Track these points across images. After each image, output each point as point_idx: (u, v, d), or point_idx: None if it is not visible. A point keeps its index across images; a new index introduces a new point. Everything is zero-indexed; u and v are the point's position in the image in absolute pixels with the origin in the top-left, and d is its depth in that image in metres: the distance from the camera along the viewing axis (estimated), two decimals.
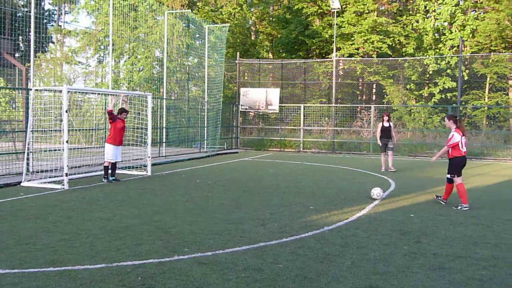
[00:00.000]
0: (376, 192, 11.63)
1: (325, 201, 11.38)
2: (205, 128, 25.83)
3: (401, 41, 35.85)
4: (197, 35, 31.07)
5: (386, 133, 18.31)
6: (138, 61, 33.03)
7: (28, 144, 14.09)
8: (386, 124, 18.31)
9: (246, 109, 30.55)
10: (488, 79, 32.43)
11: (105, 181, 13.98)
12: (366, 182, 14.88)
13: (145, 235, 7.75)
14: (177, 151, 24.07)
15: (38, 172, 14.34)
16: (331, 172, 17.91)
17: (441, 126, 29.50)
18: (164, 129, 23.10)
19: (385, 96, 33.67)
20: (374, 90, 36.49)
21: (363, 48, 36.16)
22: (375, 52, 36.45)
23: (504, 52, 32.93)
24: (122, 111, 14.50)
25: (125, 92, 16.15)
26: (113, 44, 22.87)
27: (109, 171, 14.27)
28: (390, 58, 33.52)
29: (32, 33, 15.15)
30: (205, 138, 25.91)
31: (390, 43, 35.56)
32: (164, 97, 23.37)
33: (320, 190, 13.22)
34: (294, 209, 10.27)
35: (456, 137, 10.83)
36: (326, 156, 25.62)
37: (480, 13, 36.41)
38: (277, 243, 7.47)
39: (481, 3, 35.84)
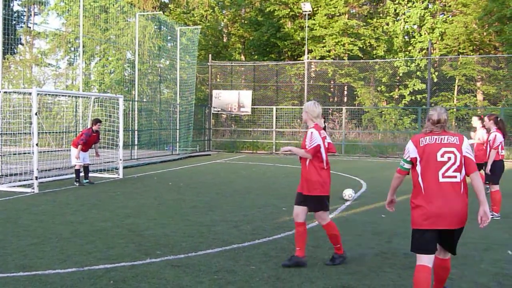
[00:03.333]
0: (348, 193, 11.74)
1: None
2: (177, 131, 25.74)
3: (372, 43, 36.28)
4: (169, 37, 30.93)
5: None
6: (109, 63, 32.71)
7: None
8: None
9: (218, 111, 30.53)
10: (456, 81, 33.01)
11: (77, 184, 13.78)
12: (338, 183, 15.00)
13: (117, 238, 7.69)
14: (149, 153, 23.92)
15: (7, 176, 14.11)
16: None
17: (411, 127, 29.92)
18: (136, 132, 22.93)
19: (356, 98, 33.99)
20: (345, 92, 36.83)
21: (335, 50, 36.45)
22: (346, 55, 36.78)
23: (472, 55, 33.58)
24: (97, 121, 14.17)
25: (95, 95, 16.00)
26: (83, 46, 22.62)
27: (81, 174, 14.10)
28: (361, 60, 33.89)
29: (0, 35, 14.91)
30: (177, 141, 25.81)
31: (361, 46, 35.93)
32: (136, 99, 23.22)
33: (292, 191, 13.22)
34: (267, 210, 10.30)
35: (499, 137, 9.76)
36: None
37: (448, 16, 37.10)
38: (250, 244, 7.49)
39: (449, 6, 36.50)
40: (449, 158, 4.58)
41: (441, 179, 4.56)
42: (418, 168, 4.70)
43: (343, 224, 9.03)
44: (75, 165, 13.95)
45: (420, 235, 4.59)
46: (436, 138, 4.67)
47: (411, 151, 4.77)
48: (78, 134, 15.37)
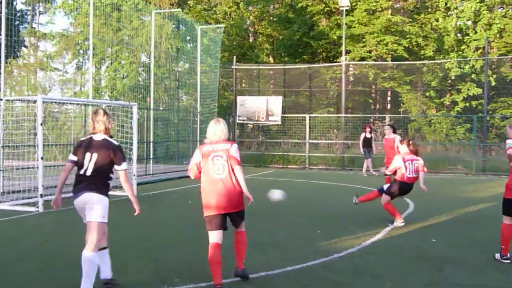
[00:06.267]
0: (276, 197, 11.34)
1: (335, 224, 11.40)
2: (198, 143, 25.87)
3: (419, 42, 35.99)
4: (188, 38, 31.21)
5: (367, 143, 23.58)
6: (122, 67, 33.11)
7: None
8: (368, 136, 23.62)
9: (244, 120, 30.60)
10: None
11: None
12: (379, 203, 14.87)
13: (131, 263, 7.76)
14: (166, 168, 24.06)
15: (9, 193, 14.34)
16: (341, 192, 17.89)
17: (466, 138, 29.55)
18: (151, 144, 23.14)
19: (401, 104, 33.73)
20: (389, 98, 36.57)
21: (376, 51, 36.30)
22: (390, 55, 36.58)
23: None
24: None
25: (107, 102, 16.21)
26: (93, 48, 23.00)
27: None
28: (407, 62, 33.64)
29: (2, 36, 15.22)
30: None
31: (407, 45, 35.67)
32: (151, 107, 23.44)
33: (328, 211, 13.23)
34: (299, 233, 10.28)
35: None
36: (335, 173, 25.62)
37: (508, 10, 36.57)
38: (280, 272, 7.48)
39: None
40: None
41: None
42: None
43: (388, 249, 8.96)
44: None
45: None
46: None
47: None
48: None
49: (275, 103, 30.02)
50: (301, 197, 16.13)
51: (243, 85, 34.38)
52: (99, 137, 6.69)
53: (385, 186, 11.80)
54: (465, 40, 35.92)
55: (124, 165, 6.73)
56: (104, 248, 6.70)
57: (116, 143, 6.77)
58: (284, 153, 29.97)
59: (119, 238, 9.53)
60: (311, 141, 29.39)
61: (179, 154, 26.11)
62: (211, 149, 6.97)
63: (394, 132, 18.46)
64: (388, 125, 20.44)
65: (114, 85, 32.38)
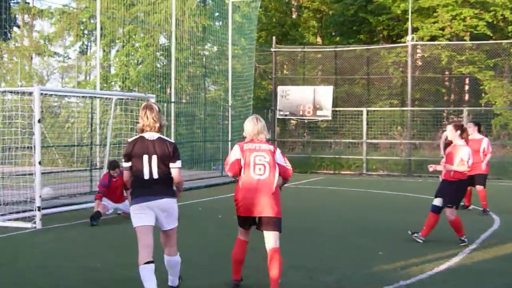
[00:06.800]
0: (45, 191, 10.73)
1: (400, 244, 11.31)
2: (229, 143, 25.93)
3: (506, 16, 35.49)
4: (217, 14, 31.31)
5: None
6: (136, 50, 33.38)
7: None
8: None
9: (286, 115, 30.59)
10: None
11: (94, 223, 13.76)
12: (460, 218, 14.70)
13: None
14: (191, 174, 24.17)
15: (1, 205, 14.54)
16: (408, 204, 17.77)
17: None
18: None
19: (482, 95, 33.31)
20: (467, 87, 36.14)
21: (451, 28, 35.93)
22: (468, 33, 36.17)
23: None
24: (114, 166, 14.16)
25: (118, 94, 16.34)
26: (101, 28, 23.21)
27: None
28: (490, 42, 33.20)
29: None
30: None
31: (490, 20, 35.23)
32: (172, 99, 23.58)
33: (392, 229, 13.13)
34: (355, 255, 10.23)
35: None
36: (400, 181, 25.44)
37: None
38: None
39: None
40: None
41: None
42: None
43: (467, 276, 8.85)
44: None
45: None
46: None
47: None
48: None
49: (324, 94, 29.94)
50: (356, 211, 16.05)
51: (285, 72, 34.38)
52: (153, 136, 7.25)
53: (437, 201, 11.42)
54: None
55: (179, 163, 7.36)
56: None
57: (172, 141, 7.54)
58: (336, 156, 29.88)
59: (132, 262, 9.56)
60: (369, 140, 29.24)
61: (206, 158, 26.20)
62: (253, 147, 7.72)
63: (479, 131, 16.17)
64: (472, 122, 18.93)
65: (127, 73, 32.62)
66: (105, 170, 15.04)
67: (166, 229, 7.41)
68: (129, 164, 7.25)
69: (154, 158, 7.14)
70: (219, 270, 8.99)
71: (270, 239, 7.72)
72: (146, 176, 7.14)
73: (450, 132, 11.38)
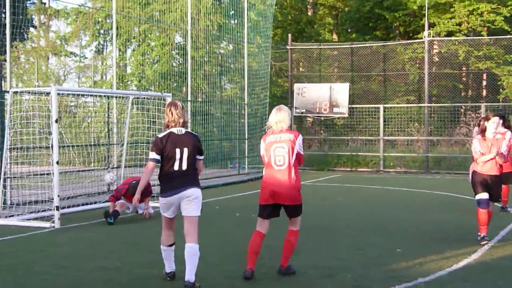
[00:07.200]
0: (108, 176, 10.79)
1: (418, 241, 11.27)
2: (246, 141, 25.93)
3: None
4: (232, 12, 31.31)
5: None
6: (152, 50, 33.45)
7: (4, 167, 14.39)
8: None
9: (302, 113, 30.57)
10: None
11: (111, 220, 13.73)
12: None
13: None
14: (207, 173, 24.22)
15: (19, 205, 14.61)
16: (425, 201, 17.71)
17: None
18: None
19: (501, 90, 33.12)
20: (484, 83, 35.93)
21: (468, 23, 35.76)
22: (486, 28, 35.98)
23: None
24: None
25: (134, 93, 16.35)
26: (117, 28, 23.27)
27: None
28: (508, 36, 32.99)
29: (7, 15, 15.50)
30: (246, 155, 26.00)
31: (508, 15, 35.03)
32: (189, 98, 23.62)
33: (410, 226, 13.09)
34: (373, 253, 10.20)
35: None
36: (417, 178, 25.36)
37: None
38: None
39: None
40: None
41: None
42: None
43: (487, 273, 8.80)
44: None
45: None
46: None
47: None
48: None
49: (341, 91, 29.89)
50: (374, 208, 16.01)
51: (301, 69, 34.34)
52: (180, 130, 7.96)
53: (480, 196, 11.06)
54: None
55: (201, 156, 8.18)
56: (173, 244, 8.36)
57: (197, 134, 8.29)
58: (353, 153, 29.83)
59: (152, 262, 9.60)
60: (386, 137, 29.17)
61: (223, 156, 26.22)
62: (273, 139, 8.34)
63: (505, 125, 15.21)
64: (498, 115, 17.62)
65: (143, 72, 32.73)
66: (122, 169, 15.06)
67: (191, 215, 7.90)
68: (158, 156, 7.87)
69: (186, 151, 7.85)
70: (236, 270, 8.98)
71: (293, 223, 8.55)
72: (177, 167, 7.84)
73: (493, 124, 11.19)
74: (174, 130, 7.92)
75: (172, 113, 7.94)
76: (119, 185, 14.40)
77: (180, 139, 7.88)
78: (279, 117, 8.38)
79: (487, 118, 11.16)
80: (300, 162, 8.50)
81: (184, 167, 7.86)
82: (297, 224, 8.56)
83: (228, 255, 10.06)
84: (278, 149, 8.28)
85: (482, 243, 10.67)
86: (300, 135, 8.50)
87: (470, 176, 11.30)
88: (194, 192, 7.88)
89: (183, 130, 8.00)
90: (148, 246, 10.79)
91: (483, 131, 11.06)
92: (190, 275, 7.74)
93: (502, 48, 32.15)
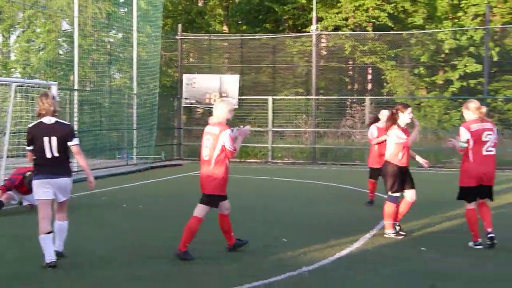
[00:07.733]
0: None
1: (303, 231, 11.45)
2: (134, 131, 25.66)
3: (406, 8, 36.31)
4: (121, 0, 30.89)
5: None
6: (37, 36, 32.58)
7: None
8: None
9: (191, 104, 30.49)
10: None
11: None
12: (360, 204, 14.98)
13: None
14: (94, 163, 23.74)
15: None
16: (311, 191, 18.02)
17: None
18: (75, 133, 22.86)
19: (384, 84, 34.01)
20: (369, 76, 36.85)
21: (354, 18, 36.48)
22: (371, 24, 36.81)
23: None
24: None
25: (18, 81, 15.92)
26: (0, 13, 22.56)
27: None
28: (392, 32, 33.86)
29: None
30: (135, 145, 25.73)
31: (391, 11, 35.94)
32: (76, 87, 23.16)
33: (295, 216, 13.27)
34: (259, 242, 10.26)
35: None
36: (305, 169, 25.73)
37: None
38: None
39: None
40: None
41: None
42: None
43: (368, 261, 9.01)
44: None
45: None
46: None
47: None
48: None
49: (231, 82, 29.97)
50: (262, 198, 16.17)
51: (191, 60, 34.22)
52: (50, 119, 8.47)
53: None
54: (461, 5, 36.17)
55: (76, 140, 8.71)
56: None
57: (68, 123, 9.11)
58: (242, 144, 29.86)
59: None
60: (274, 129, 29.44)
61: (111, 146, 25.85)
62: (207, 130, 9.20)
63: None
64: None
65: (28, 59, 31.88)
66: (4, 159, 14.64)
67: (61, 200, 8.69)
68: (31, 147, 8.51)
69: (54, 139, 8.38)
70: (124, 263, 8.89)
71: (197, 209, 9.16)
72: (48, 155, 8.36)
73: (409, 114, 10.89)
74: (45, 119, 8.46)
75: (43, 103, 8.48)
76: (12, 175, 13.97)
77: (48, 128, 8.41)
78: (214, 110, 9.18)
79: (399, 110, 11.03)
80: (227, 156, 9.03)
81: (56, 154, 8.40)
82: (202, 212, 9.11)
83: (114, 248, 9.91)
84: (206, 141, 9.13)
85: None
86: (228, 130, 9.06)
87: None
88: (64, 182, 8.56)
89: (53, 120, 8.52)
90: (29, 238, 10.52)
91: (395, 121, 10.90)
92: (60, 247, 8.76)
93: (386, 43, 33.08)
